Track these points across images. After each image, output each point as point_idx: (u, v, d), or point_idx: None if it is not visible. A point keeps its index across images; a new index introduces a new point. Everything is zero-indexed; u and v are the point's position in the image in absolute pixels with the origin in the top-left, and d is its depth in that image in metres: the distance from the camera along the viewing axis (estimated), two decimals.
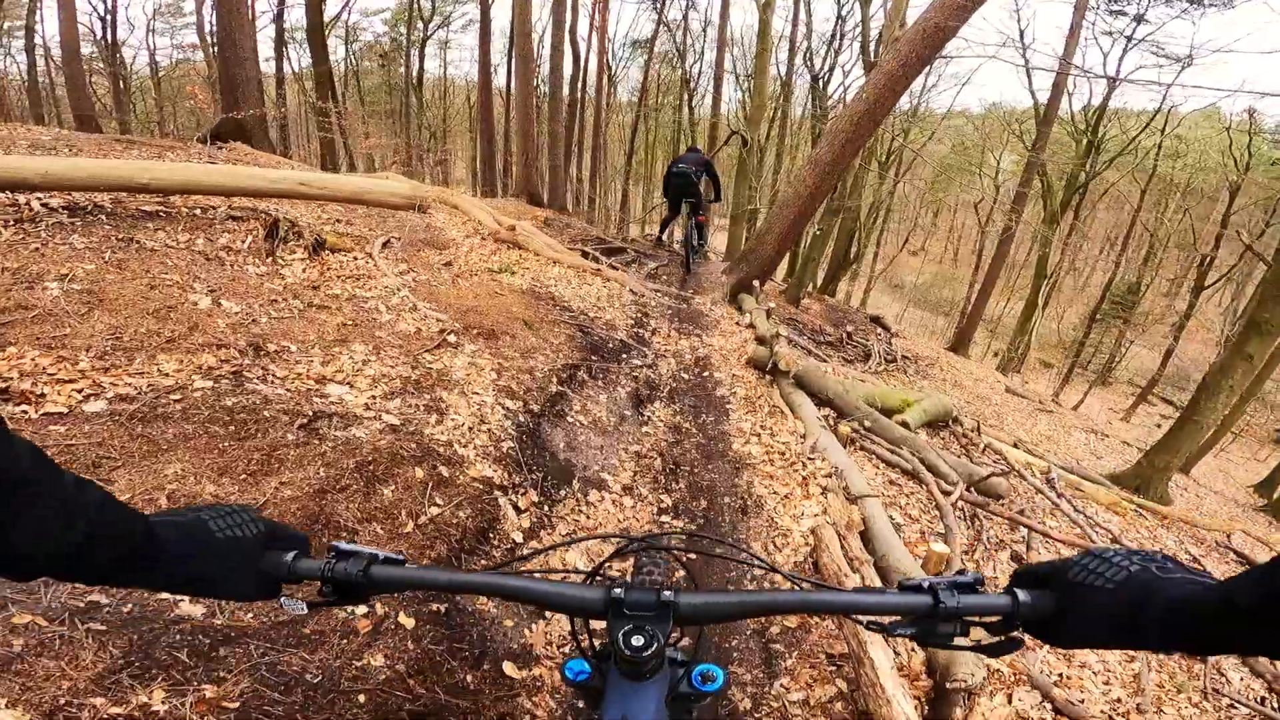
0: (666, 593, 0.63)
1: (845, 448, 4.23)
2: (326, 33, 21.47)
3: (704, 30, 22.80)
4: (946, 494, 3.92)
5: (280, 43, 21.90)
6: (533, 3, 12.89)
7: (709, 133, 16.97)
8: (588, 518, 3.16)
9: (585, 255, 6.58)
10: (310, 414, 2.60)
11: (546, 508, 3.00)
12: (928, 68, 6.39)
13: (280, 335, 3.14)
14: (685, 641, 1.12)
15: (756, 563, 0.87)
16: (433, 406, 3.06)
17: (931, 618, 0.60)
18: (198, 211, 4.17)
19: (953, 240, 44.47)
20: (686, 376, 4.74)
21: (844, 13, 18.41)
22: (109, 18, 20.62)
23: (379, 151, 26.42)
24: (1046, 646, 1.95)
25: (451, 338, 3.74)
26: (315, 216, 5.20)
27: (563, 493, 3.18)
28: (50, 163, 3.35)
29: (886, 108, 6.50)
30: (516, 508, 2.85)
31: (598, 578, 0.81)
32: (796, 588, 0.68)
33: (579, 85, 19.32)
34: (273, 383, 2.75)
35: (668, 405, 4.36)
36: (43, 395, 2.12)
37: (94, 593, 1.58)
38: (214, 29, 10.43)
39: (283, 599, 0.64)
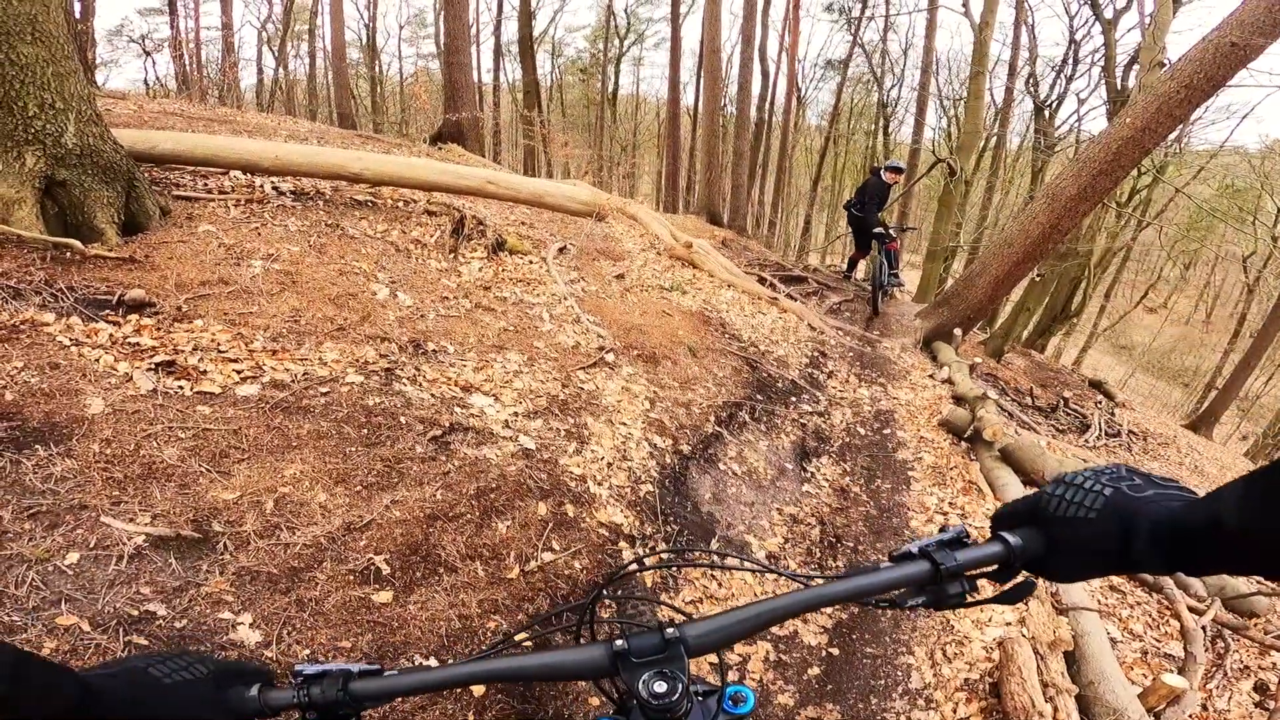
0: (670, 630, 0.61)
1: None
2: (535, 46, 23.36)
3: (904, 53, 21.17)
4: (1197, 613, 2.95)
5: (498, 54, 24.28)
6: (722, 21, 12.71)
7: (909, 160, 15.59)
8: (720, 585, 2.68)
9: (762, 281, 6.10)
10: (446, 425, 2.44)
11: (675, 569, 2.58)
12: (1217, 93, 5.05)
13: (442, 334, 3.08)
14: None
15: (747, 566, 0.92)
16: (574, 433, 2.79)
17: (935, 581, 0.60)
18: (400, 204, 4.39)
19: (1205, 299, 36.76)
20: (863, 431, 4.06)
21: (1078, 37, 15.97)
22: (370, 25, 24.29)
23: (574, 161, 28.19)
24: None
25: (610, 357, 3.48)
26: (503, 218, 5.33)
27: (697, 553, 2.74)
28: (279, 148, 3.66)
29: (1158, 136, 5.24)
30: (641, 564, 2.46)
31: (592, 634, 0.78)
32: (802, 586, 0.64)
33: (766, 105, 18.84)
34: (420, 385, 2.64)
35: (836, 463, 3.73)
36: (204, 373, 2.15)
37: (152, 601, 1.47)
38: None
39: None
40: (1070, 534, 0.56)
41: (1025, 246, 5.71)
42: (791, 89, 18.34)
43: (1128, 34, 13.33)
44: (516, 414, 2.74)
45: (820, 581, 0.64)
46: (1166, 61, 8.51)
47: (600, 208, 4.79)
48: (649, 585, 2.49)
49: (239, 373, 2.22)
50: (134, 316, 2.45)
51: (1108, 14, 12.84)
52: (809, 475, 3.58)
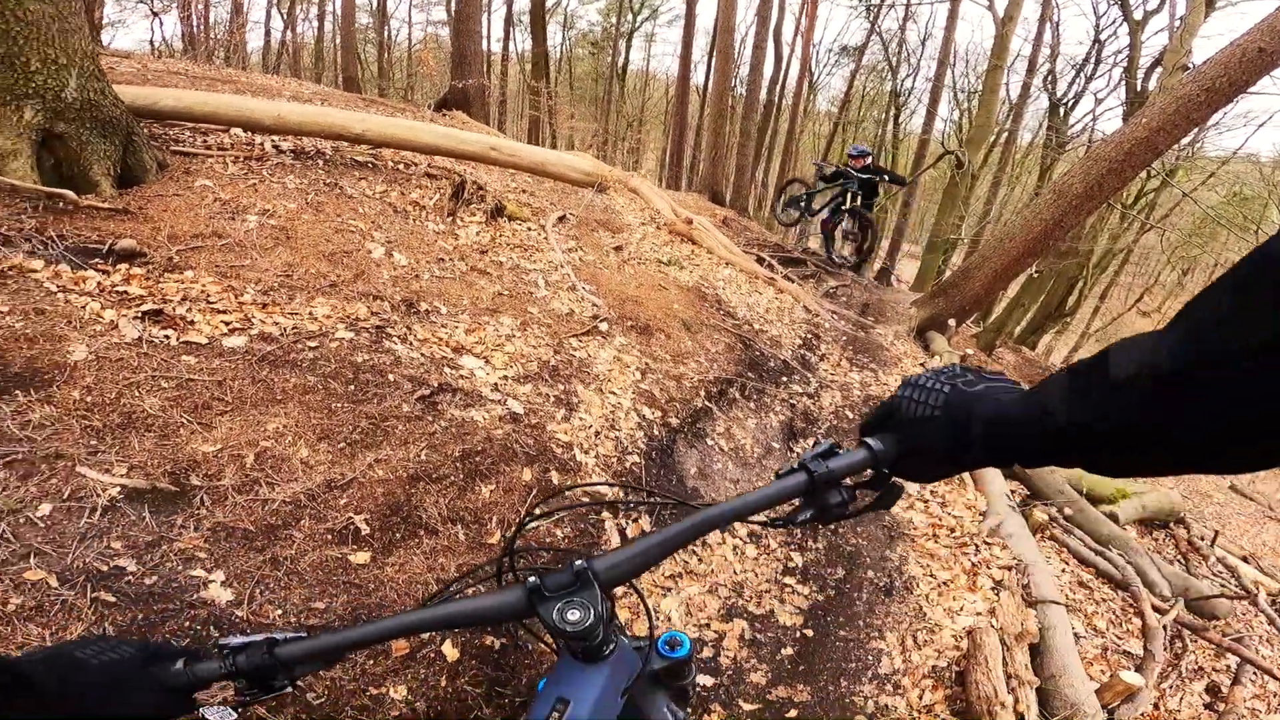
0: (579, 562, 0.62)
1: (1035, 536, 3.37)
2: (547, 17, 22.93)
3: (922, 43, 20.87)
4: (1160, 612, 3.03)
5: (508, 23, 23.83)
6: (738, 1, 12.49)
7: (918, 150, 15.46)
8: (701, 561, 2.72)
9: (760, 262, 6.07)
10: (435, 385, 2.44)
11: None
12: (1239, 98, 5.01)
13: (435, 295, 3.07)
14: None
15: (655, 499, 0.93)
16: (564, 400, 2.79)
17: (814, 492, 0.62)
18: (401, 166, 4.34)
19: None
20: (851, 415, 4.08)
21: (1103, 36, 15.78)
22: None
23: (580, 135, 27.82)
24: None
25: (603, 326, 3.48)
26: (504, 185, 5.28)
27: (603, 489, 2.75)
28: (281, 107, 3.61)
29: (1172, 138, 5.20)
30: (623, 534, 2.49)
31: (513, 576, 0.79)
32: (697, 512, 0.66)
33: (777, 88, 18.60)
34: (411, 344, 2.64)
35: None
36: (191, 323, 2.14)
37: (123, 556, 1.45)
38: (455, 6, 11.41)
39: (203, 712, 0.60)
40: (918, 433, 0.57)
41: (1026, 241, 5.70)
42: (804, 73, 18.09)
43: (1154, 36, 13.15)
44: (506, 377, 2.74)
45: (704, 505, 0.66)
46: (1190, 65, 8.43)
47: (602, 179, 4.75)
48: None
49: (227, 324, 2.21)
50: (124, 265, 2.43)
51: (1137, 15, 12.69)
52: (795, 455, 3.61)
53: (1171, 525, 4.28)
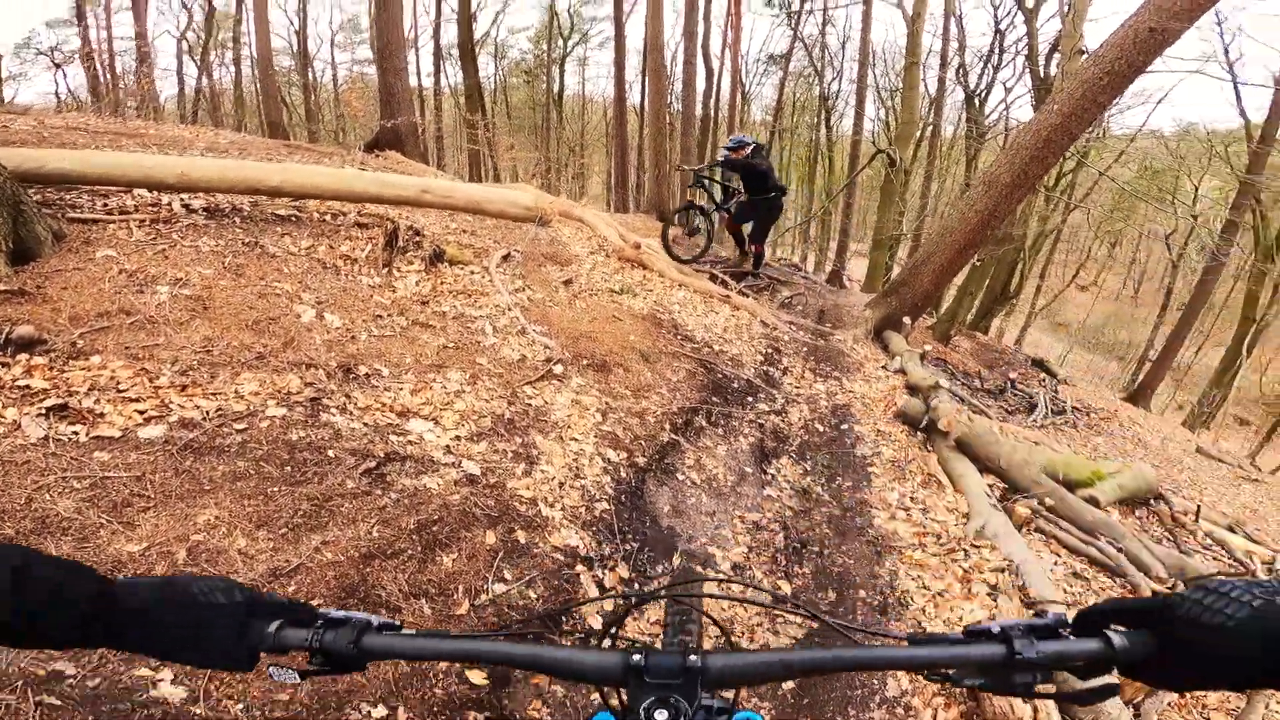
0: (693, 657, 0.58)
1: (1020, 531, 3.36)
2: (477, 50, 22.91)
3: (842, 46, 21.61)
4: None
5: (438, 57, 23.69)
6: (665, 18, 12.68)
7: (851, 151, 15.91)
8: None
9: (713, 279, 6.04)
10: (381, 456, 2.27)
11: (637, 587, 2.47)
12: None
13: (375, 356, 2.89)
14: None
15: (800, 613, 0.79)
16: (523, 453, 2.64)
17: (1006, 666, 0.55)
18: (328, 217, 4.14)
19: (1133, 276, 38.84)
20: (821, 428, 4.03)
21: (1003, 26, 16.69)
22: (301, 31, 23.36)
23: (522, 165, 27.74)
24: None
25: (558, 368, 3.34)
26: (443, 227, 5.11)
27: (659, 568, 2.63)
28: (186, 163, 3.39)
29: (1084, 122, 5.39)
30: (601, 586, 2.35)
31: (616, 640, 0.78)
32: (850, 641, 0.62)
33: (712, 101, 18.95)
34: (351, 414, 2.46)
35: (796, 463, 3.68)
36: (102, 415, 1.92)
37: (60, 660, 1.33)
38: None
39: (270, 669, 0.61)
40: (1200, 640, 0.51)
41: (966, 233, 5.81)
42: (736, 84, 18.49)
43: (1048, 23, 13.88)
44: (459, 438, 2.58)
45: (879, 642, 0.60)
46: (1085, 49, 8.86)
47: (544, 212, 4.64)
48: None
49: (141, 413, 2.00)
50: (23, 356, 2.20)
51: (1029, 3, 13.38)
52: (770, 478, 3.52)
53: (1151, 502, 4.33)
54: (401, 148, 11.12)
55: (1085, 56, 5.12)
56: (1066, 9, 8.36)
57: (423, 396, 2.72)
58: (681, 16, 14.35)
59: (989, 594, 2.88)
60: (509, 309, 3.73)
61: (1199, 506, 4.27)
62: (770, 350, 4.74)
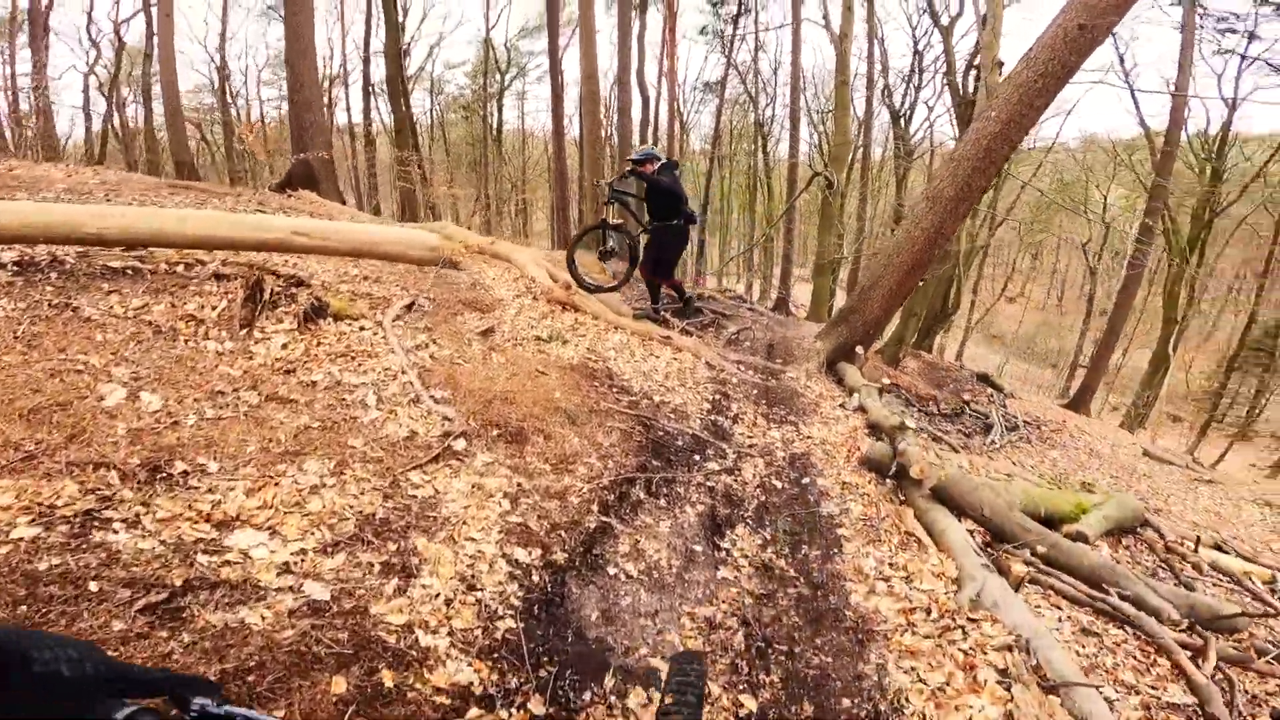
0: None
1: (1018, 592, 2.91)
2: (410, 84, 22.36)
3: (774, 73, 22.09)
4: (1197, 654, 2.69)
5: (367, 94, 22.92)
6: (599, 48, 12.47)
7: (788, 175, 15.97)
8: None
9: (655, 318, 5.52)
10: (176, 584, 1.62)
11: None
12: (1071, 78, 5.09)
13: (202, 446, 2.21)
14: None
15: None
16: (397, 564, 2.01)
17: None
18: (179, 269, 3.43)
19: (1055, 284, 40.84)
20: (779, 484, 3.51)
21: (921, 46, 17.36)
22: (221, 68, 22.30)
23: (463, 202, 26.99)
24: None
25: (459, 443, 2.72)
26: (340, 274, 4.44)
27: (586, 697, 2.01)
28: None
29: (1023, 129, 5.22)
30: None
31: None
32: None
33: (650, 130, 18.87)
34: (143, 528, 1.79)
35: (755, 531, 3.13)
36: None
37: None
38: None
39: None
40: None
41: (914, 253, 5.52)
42: (673, 113, 18.42)
43: (963, 39, 14.40)
44: (304, 551, 1.92)
45: None
46: (1002, 60, 8.95)
47: (452, 253, 4.05)
48: None
49: None
50: None
51: (944, 21, 13.82)
52: (724, 554, 2.95)
53: (1138, 529, 4.01)
54: (316, 185, 10.34)
55: (1018, 60, 4.94)
56: (983, 21, 8.40)
57: (261, 498, 2.06)
58: (617, 46, 14.21)
59: (999, 680, 2.39)
60: (402, 372, 3.09)
61: (1198, 538, 3.97)
62: (718, 396, 4.23)
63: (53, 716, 0.47)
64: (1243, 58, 13.90)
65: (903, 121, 18.26)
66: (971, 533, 3.42)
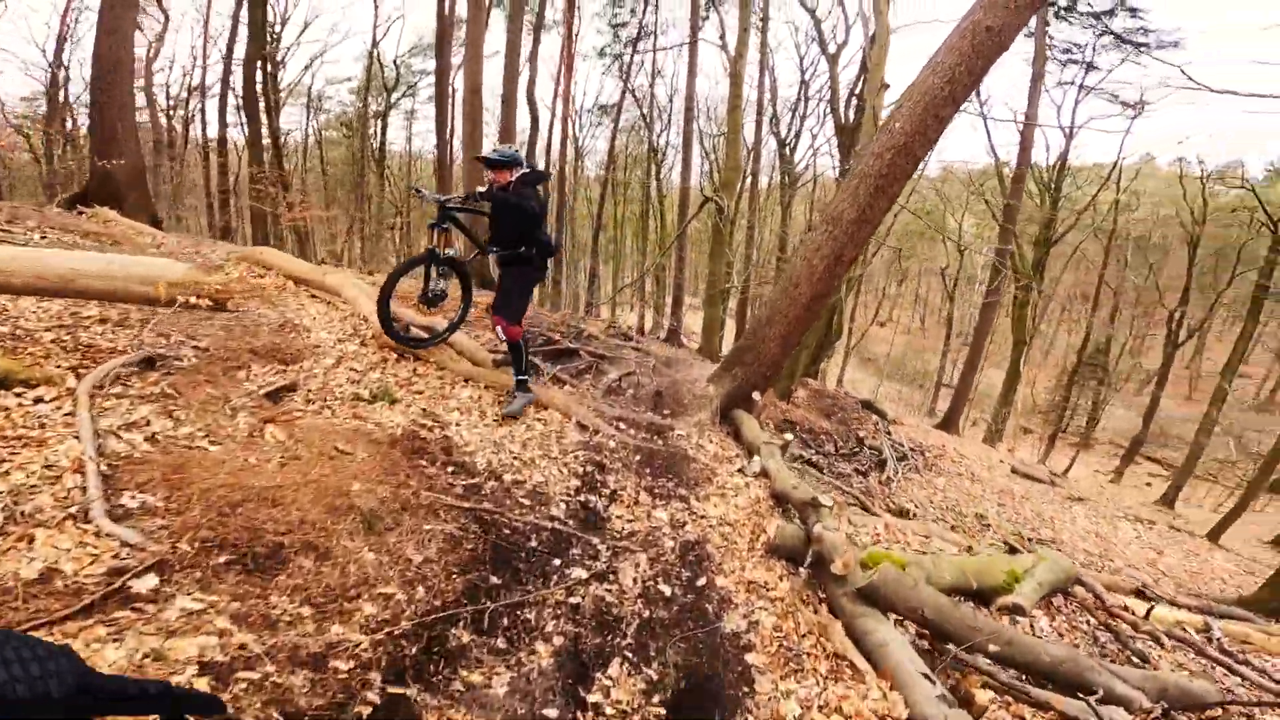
0: None
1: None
2: (282, 98, 20.25)
3: (670, 99, 22.18)
4: None
5: (224, 105, 20.39)
6: (484, 61, 11.57)
7: (680, 200, 15.71)
8: None
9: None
10: None
11: None
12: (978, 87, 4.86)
13: None
14: None
15: None
16: None
17: None
18: None
19: (918, 308, 44.29)
20: (668, 590, 2.68)
21: (808, 75, 18.05)
22: (59, 73, 19.10)
23: (339, 224, 24.67)
24: None
25: (148, 581, 1.65)
26: (60, 317, 3.15)
27: None
28: None
29: (928, 140, 4.78)
30: None
31: None
32: None
33: (539, 149, 18.10)
34: None
35: (636, 671, 2.26)
36: None
37: None
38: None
39: None
40: None
41: (813, 284, 4.99)
42: (566, 134, 17.68)
43: (847, 68, 15.08)
44: None
45: None
46: (889, 83, 9.05)
47: (215, 288, 2.93)
48: None
49: None
50: None
51: (831, 49, 14.28)
52: (593, 711, 2.06)
53: (1069, 589, 3.63)
54: (120, 202, 8.52)
55: (921, 69, 4.60)
56: (872, 39, 8.38)
57: None
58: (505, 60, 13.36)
59: None
60: (78, 468, 1.96)
61: (1151, 607, 3.69)
62: (590, 467, 3.34)
63: None
64: (1080, 87, 15.48)
65: (788, 149, 18.75)
66: (919, 635, 2.79)
